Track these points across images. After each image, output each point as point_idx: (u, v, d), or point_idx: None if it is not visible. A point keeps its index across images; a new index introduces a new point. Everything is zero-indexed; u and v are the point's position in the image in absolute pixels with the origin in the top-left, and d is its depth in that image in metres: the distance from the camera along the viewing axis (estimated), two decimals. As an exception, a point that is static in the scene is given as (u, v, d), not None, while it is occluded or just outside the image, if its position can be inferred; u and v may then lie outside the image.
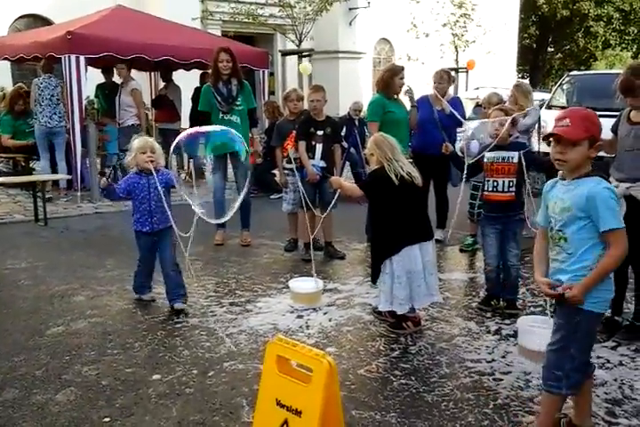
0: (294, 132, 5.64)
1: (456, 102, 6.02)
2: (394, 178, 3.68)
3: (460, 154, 5.34)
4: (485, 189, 4.17)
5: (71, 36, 7.98)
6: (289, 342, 2.37)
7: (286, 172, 5.78)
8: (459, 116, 5.51)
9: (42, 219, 6.77)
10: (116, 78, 9.37)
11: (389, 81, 5.53)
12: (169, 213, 4.02)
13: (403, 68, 5.62)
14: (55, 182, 8.45)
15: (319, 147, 5.40)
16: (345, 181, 4.38)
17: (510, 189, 4.07)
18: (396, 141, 3.90)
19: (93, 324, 3.96)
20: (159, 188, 4.03)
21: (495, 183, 4.10)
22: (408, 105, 5.77)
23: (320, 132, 5.40)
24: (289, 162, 5.68)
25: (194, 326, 3.94)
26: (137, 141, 4.10)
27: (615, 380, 3.24)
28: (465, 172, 4.38)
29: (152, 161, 4.05)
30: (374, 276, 3.94)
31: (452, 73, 17.52)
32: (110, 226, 6.71)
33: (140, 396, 3.05)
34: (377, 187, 3.82)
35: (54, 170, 8.21)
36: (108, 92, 9.35)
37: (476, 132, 5.69)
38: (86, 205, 7.72)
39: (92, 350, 3.56)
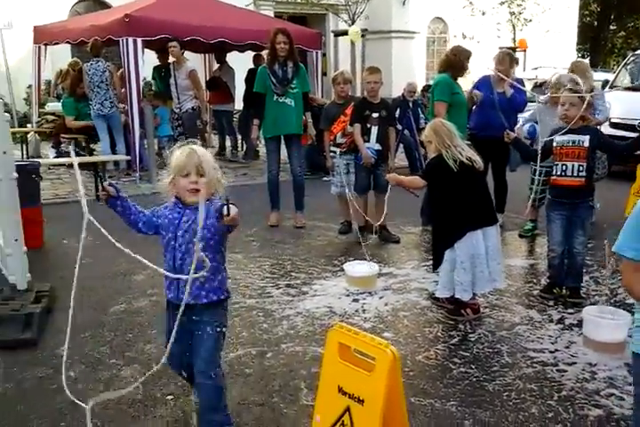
0: (342, 116, 5.58)
1: (519, 84, 5.83)
2: (452, 165, 3.62)
3: (523, 136, 5.19)
4: (554, 173, 4.02)
5: (128, 18, 8.08)
6: (350, 329, 2.34)
7: (332, 155, 5.73)
8: (525, 93, 5.30)
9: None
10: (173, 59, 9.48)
11: (463, 64, 5.46)
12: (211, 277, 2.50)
13: (472, 53, 5.58)
14: (115, 163, 8.65)
15: (374, 129, 5.33)
16: (396, 164, 4.25)
17: (580, 174, 3.92)
18: (454, 127, 3.82)
19: (154, 302, 4.05)
20: (198, 235, 2.02)
21: (564, 167, 3.96)
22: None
23: (375, 115, 5.32)
24: (336, 145, 5.64)
25: (251, 307, 3.98)
26: (177, 155, 2.49)
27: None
28: (538, 155, 4.19)
29: (197, 190, 2.40)
30: (437, 263, 3.88)
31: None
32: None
33: (201, 375, 3.10)
34: (437, 175, 3.75)
35: (114, 152, 8.40)
36: (164, 74, 9.46)
37: (538, 114, 5.51)
38: (145, 186, 7.87)
39: (154, 329, 3.65)
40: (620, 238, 1.94)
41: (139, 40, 8.21)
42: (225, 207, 2.25)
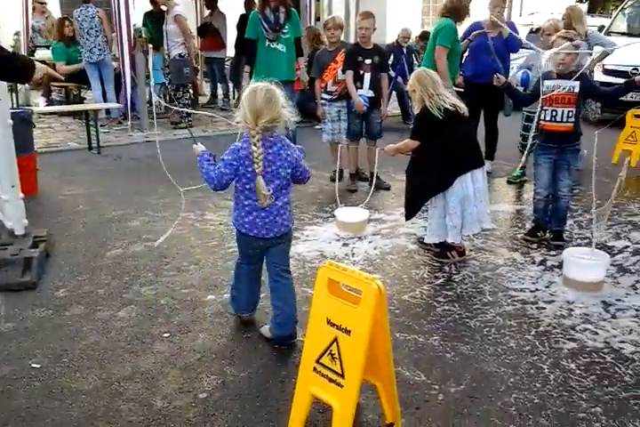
0: (332, 63, 5.54)
1: (511, 29, 5.78)
2: (437, 113, 3.67)
3: (515, 83, 5.20)
4: (542, 118, 4.06)
5: (117, -39, 7.83)
6: (339, 266, 2.45)
7: (323, 102, 5.72)
8: (524, 41, 5.26)
9: (95, 147, 6.96)
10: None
11: (465, 10, 5.40)
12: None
13: None
14: (107, 112, 8.59)
15: (367, 76, 5.31)
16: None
17: (569, 120, 3.98)
18: (437, 76, 3.85)
19: (149, 247, 4.15)
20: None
21: (554, 113, 4.00)
22: None
23: (368, 61, 5.29)
24: (327, 93, 5.62)
25: (244, 252, 4.08)
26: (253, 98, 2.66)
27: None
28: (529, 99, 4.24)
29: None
30: (411, 213, 3.97)
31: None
32: (161, 154, 6.83)
33: (196, 315, 3.24)
34: (426, 129, 3.80)
35: (105, 100, 8.32)
36: (155, 20, 9.26)
37: (531, 60, 5.50)
38: (137, 134, 7.86)
39: (150, 272, 3.77)
40: None
41: (128, -15, 7.98)
42: None
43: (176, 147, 7.40)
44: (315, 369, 2.41)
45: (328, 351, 2.37)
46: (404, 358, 2.84)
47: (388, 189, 5.62)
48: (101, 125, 7.80)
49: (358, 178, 5.74)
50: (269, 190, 2.69)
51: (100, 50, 8.13)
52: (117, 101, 8.29)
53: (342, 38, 5.38)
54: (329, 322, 2.39)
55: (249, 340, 2.99)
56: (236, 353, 2.87)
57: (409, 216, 4.07)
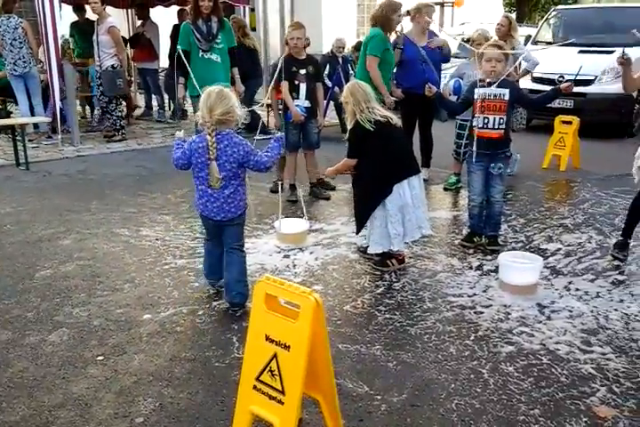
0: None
1: (432, 37, 5.90)
2: (369, 126, 3.74)
3: (448, 92, 5.32)
4: (475, 125, 4.15)
5: (41, -31, 7.58)
6: (276, 280, 2.41)
7: (280, 112, 5.65)
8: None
9: (23, 163, 6.68)
10: (90, 15, 9.03)
11: (390, 17, 5.44)
12: None
13: (401, 5, 5.50)
14: (35, 126, 8.27)
15: (303, 86, 5.30)
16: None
17: (500, 127, 4.08)
18: (371, 88, 3.92)
19: (82, 266, 4.00)
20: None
21: (486, 120, 4.10)
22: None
23: (302, 71, 5.29)
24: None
25: (182, 267, 3.99)
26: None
27: (592, 311, 3.37)
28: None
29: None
30: (361, 226, 3.99)
31: (436, 7, 16.98)
32: (93, 169, 6.64)
33: (131, 335, 3.12)
34: (361, 144, 3.84)
35: (33, 114, 8.02)
36: (82, 30, 9.03)
37: (463, 69, 5.64)
38: (68, 149, 7.59)
39: (82, 292, 3.62)
40: None
41: (54, -6, 7.74)
42: None
43: (110, 161, 7.24)
44: (255, 387, 2.35)
45: (267, 368, 2.33)
46: (347, 369, 2.82)
47: (328, 198, 5.62)
48: (29, 140, 7.51)
49: (322, 188, 5.74)
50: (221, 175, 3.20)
51: (24, 62, 7.82)
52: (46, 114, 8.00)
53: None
54: (267, 338, 2.35)
55: (187, 360, 2.90)
56: (174, 374, 2.78)
57: (359, 229, 4.06)
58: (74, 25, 9.14)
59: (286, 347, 2.30)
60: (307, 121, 5.38)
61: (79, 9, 8.94)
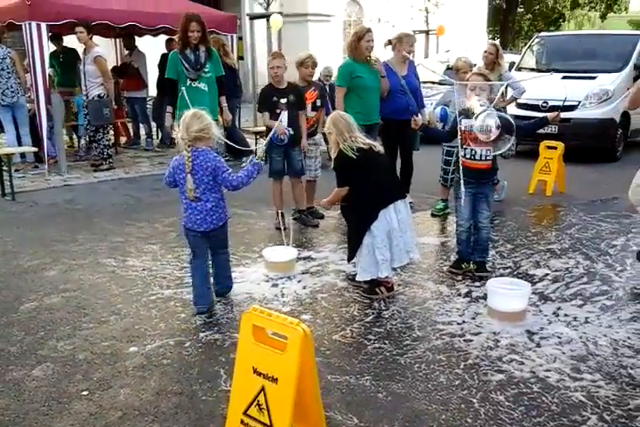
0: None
1: (411, 67, 5.98)
2: (352, 154, 3.79)
3: (436, 120, 5.38)
4: (463, 155, 4.19)
5: (30, 1, 7.66)
6: (264, 311, 2.40)
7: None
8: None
9: (9, 193, 6.64)
10: (68, 43, 9.15)
11: (356, 45, 5.48)
12: None
13: (368, 30, 5.51)
14: (22, 155, 8.25)
15: (284, 114, 5.29)
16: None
17: (487, 158, 4.12)
18: (352, 118, 3.97)
19: (67, 298, 3.95)
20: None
21: (473, 152, 4.13)
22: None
23: (283, 100, 5.29)
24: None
25: (169, 298, 3.95)
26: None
27: (581, 337, 3.36)
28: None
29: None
30: (353, 254, 3.98)
31: (421, 35, 17.27)
32: (80, 199, 6.62)
33: (117, 369, 3.07)
34: (347, 172, 3.88)
35: (20, 143, 8.01)
36: (62, 60, 9.10)
37: (448, 97, 5.71)
38: (54, 178, 7.57)
39: (67, 325, 3.56)
40: None
41: (43, 25, 7.81)
42: None
43: (97, 190, 7.22)
44: (242, 422, 2.32)
45: (255, 402, 2.30)
46: (336, 401, 2.78)
47: (316, 226, 5.62)
48: (16, 170, 7.49)
49: (314, 216, 5.74)
50: (196, 188, 3.51)
51: (12, 92, 7.83)
52: (33, 144, 7.98)
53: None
54: (255, 371, 2.32)
55: (174, 394, 2.85)
56: (161, 409, 2.73)
57: (350, 257, 4.05)
58: (52, 55, 9.18)
59: (274, 380, 2.28)
60: (290, 149, 5.38)
61: (56, 38, 8.98)
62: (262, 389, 2.32)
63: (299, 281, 4.25)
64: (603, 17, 32.75)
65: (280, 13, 14.22)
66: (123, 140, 10.32)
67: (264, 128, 5.67)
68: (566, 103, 8.57)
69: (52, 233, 5.38)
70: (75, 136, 9.83)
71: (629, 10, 39.57)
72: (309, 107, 5.56)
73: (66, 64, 9.09)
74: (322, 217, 5.75)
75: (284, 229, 4.91)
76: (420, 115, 5.54)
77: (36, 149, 7.75)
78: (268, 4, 15.45)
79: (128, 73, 9.62)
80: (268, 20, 13.52)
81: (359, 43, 5.44)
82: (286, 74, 5.44)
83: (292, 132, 5.31)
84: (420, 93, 6.03)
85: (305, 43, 18.67)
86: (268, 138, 4.47)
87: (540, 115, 4.46)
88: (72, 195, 6.82)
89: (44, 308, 3.81)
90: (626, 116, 9.01)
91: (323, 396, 2.66)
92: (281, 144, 5.27)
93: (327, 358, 3.16)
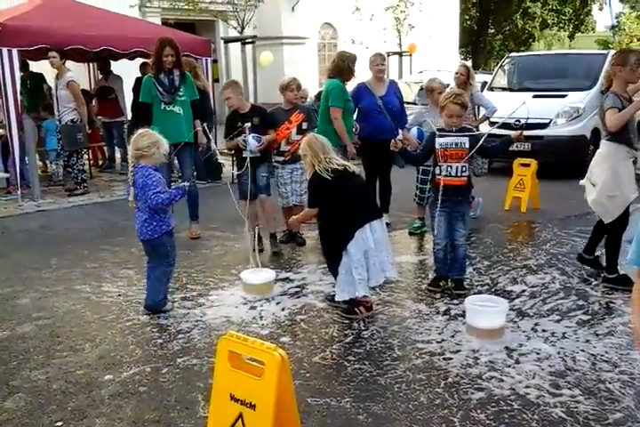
0: (286, 122, 5.50)
1: (392, 86, 6.07)
2: (326, 175, 3.82)
3: (416, 142, 5.43)
4: (439, 173, 4.22)
5: (2, 27, 7.63)
6: (240, 336, 2.37)
7: (275, 164, 5.63)
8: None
9: (-19, 220, 6.53)
10: (35, 68, 9.12)
11: (351, 69, 5.62)
12: None
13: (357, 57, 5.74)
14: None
15: (250, 137, 5.22)
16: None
17: (463, 174, 4.17)
18: (327, 140, 4.02)
19: (40, 326, 3.86)
20: None
21: (449, 168, 4.17)
22: None
23: (248, 124, 5.26)
24: (279, 154, 5.58)
25: (145, 324, 3.89)
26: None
27: (559, 353, 3.38)
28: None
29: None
30: (335, 275, 3.96)
31: (391, 56, 17.52)
32: (54, 224, 6.53)
33: (92, 398, 3.00)
34: (320, 194, 3.90)
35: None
36: (29, 85, 9.06)
37: (420, 117, 5.78)
38: (27, 204, 7.45)
39: (41, 354, 3.48)
40: (632, 252, 2.05)
41: (14, 50, 7.77)
42: None
43: (71, 215, 7.13)
44: (220, 449, 2.27)
45: (233, 429, 2.25)
46: (316, 424, 2.74)
47: (302, 244, 5.60)
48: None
49: (296, 242, 5.71)
50: (136, 200, 3.89)
51: None
52: (5, 170, 7.89)
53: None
54: (232, 397, 2.29)
55: (151, 422, 2.79)
56: (137, 438, 2.67)
57: (335, 275, 4.02)
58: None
59: (252, 406, 2.25)
60: (256, 168, 5.22)
61: (22, 63, 8.96)
62: (240, 415, 2.28)
63: (277, 303, 4.22)
64: (571, 37, 33.69)
65: (254, 37, 14.40)
66: (100, 162, 10.26)
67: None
68: (538, 121, 8.71)
69: (24, 260, 5.28)
70: (48, 162, 9.73)
71: (596, 30, 40.83)
72: (294, 130, 5.54)
73: (33, 89, 9.04)
74: (303, 243, 5.68)
75: (254, 250, 4.88)
76: (400, 134, 5.65)
77: (7, 175, 7.65)
78: (243, 28, 15.62)
79: (106, 97, 9.59)
80: (243, 44, 13.66)
81: (353, 68, 5.65)
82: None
83: (258, 155, 5.23)
84: (404, 112, 6.10)
85: (280, 65, 18.82)
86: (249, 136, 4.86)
87: (512, 133, 4.52)
88: (45, 220, 6.72)
89: (17, 337, 3.72)
90: (596, 133, 9.20)
91: (303, 419, 2.63)
92: (252, 155, 5.18)
93: (307, 380, 3.13)
